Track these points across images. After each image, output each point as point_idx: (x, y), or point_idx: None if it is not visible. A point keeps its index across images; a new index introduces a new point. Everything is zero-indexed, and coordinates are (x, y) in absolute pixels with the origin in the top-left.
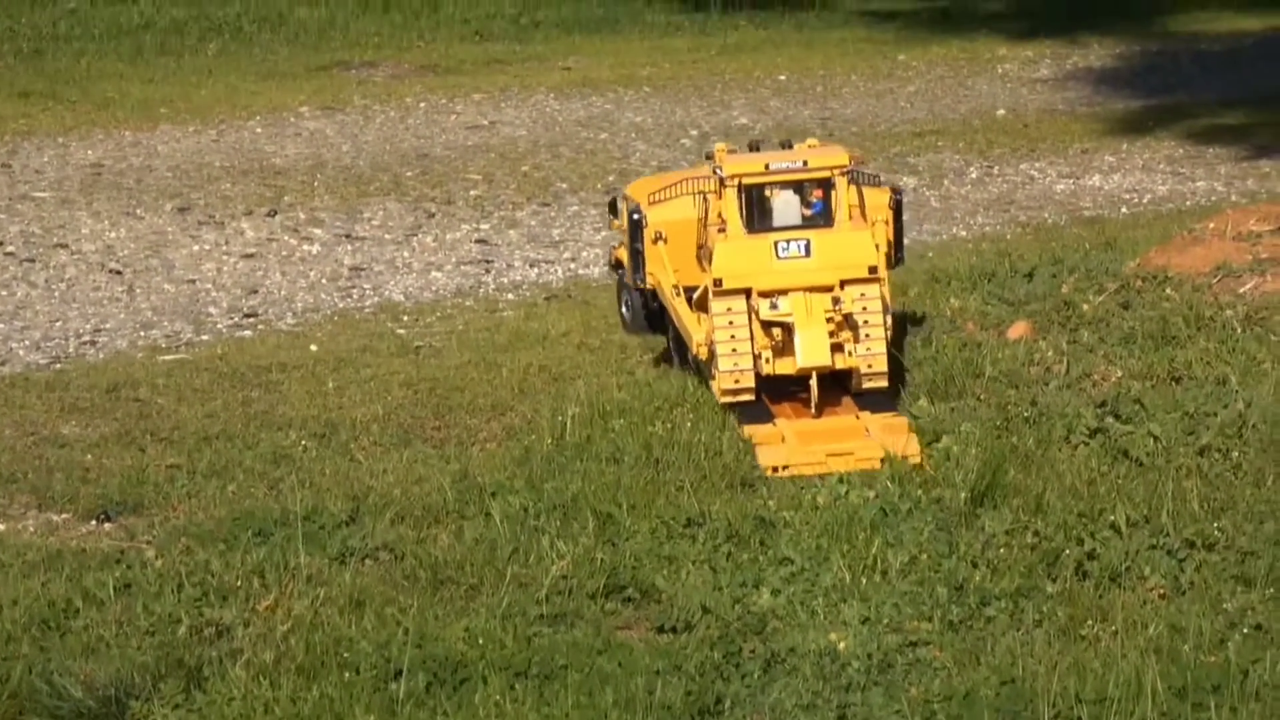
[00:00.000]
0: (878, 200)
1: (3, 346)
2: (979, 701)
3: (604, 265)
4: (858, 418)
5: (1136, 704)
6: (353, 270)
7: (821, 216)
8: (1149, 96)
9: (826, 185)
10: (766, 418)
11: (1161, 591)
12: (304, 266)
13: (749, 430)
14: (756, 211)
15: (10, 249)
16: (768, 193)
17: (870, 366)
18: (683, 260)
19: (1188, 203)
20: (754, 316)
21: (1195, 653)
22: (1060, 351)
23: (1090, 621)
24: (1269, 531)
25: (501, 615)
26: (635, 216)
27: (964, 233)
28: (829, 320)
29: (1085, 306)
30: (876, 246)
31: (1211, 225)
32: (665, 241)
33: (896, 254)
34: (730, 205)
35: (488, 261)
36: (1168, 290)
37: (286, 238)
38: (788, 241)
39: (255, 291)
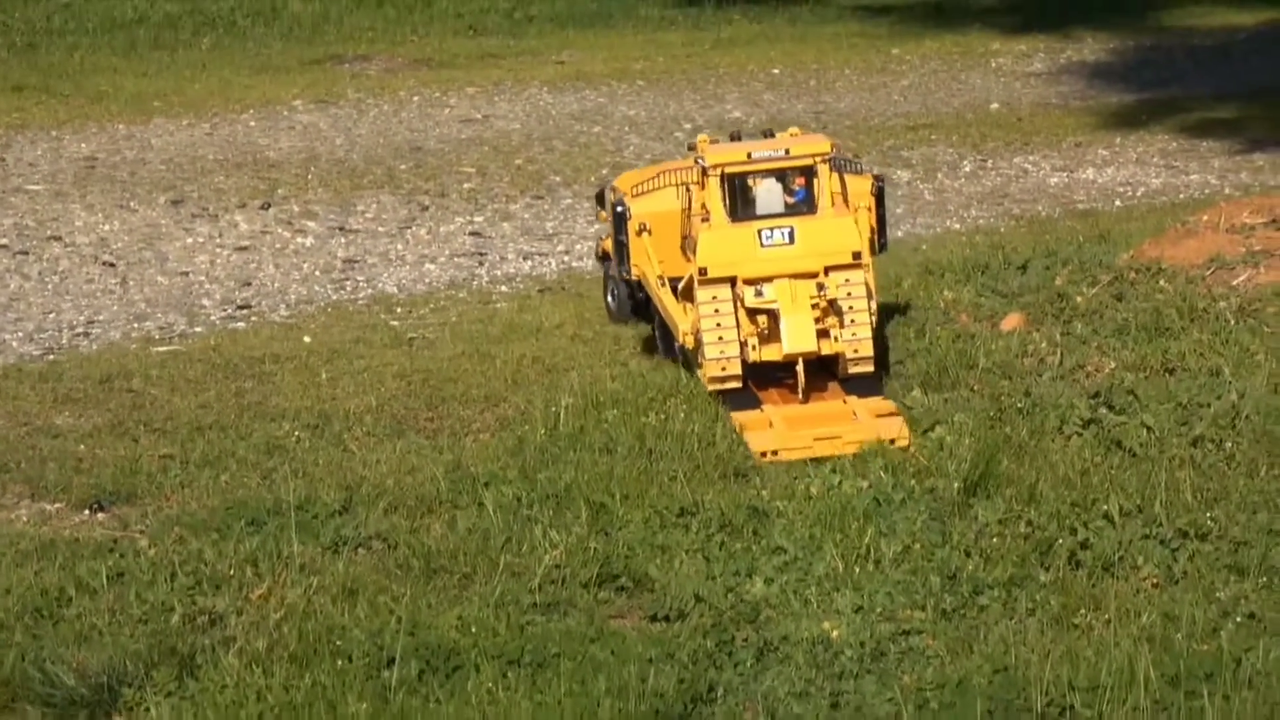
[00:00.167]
0: (860, 187)
1: None
2: (972, 690)
3: (593, 257)
4: (845, 402)
5: (1129, 692)
6: (346, 262)
7: (804, 204)
8: (1142, 90)
9: (809, 173)
10: (754, 404)
11: (1154, 581)
12: (297, 259)
13: (737, 417)
14: (740, 200)
15: (4, 241)
16: (751, 182)
17: (856, 351)
18: (667, 251)
19: (1181, 196)
20: (739, 304)
21: (1188, 641)
22: (1054, 343)
23: (1083, 610)
24: (1262, 521)
25: (494, 604)
26: (619, 209)
27: (958, 225)
28: (814, 306)
29: (1079, 298)
30: (860, 233)
31: (1205, 218)
32: (649, 233)
33: (879, 240)
34: (714, 195)
35: (481, 254)
36: (1161, 282)
37: (280, 230)
38: (771, 229)
39: (249, 283)
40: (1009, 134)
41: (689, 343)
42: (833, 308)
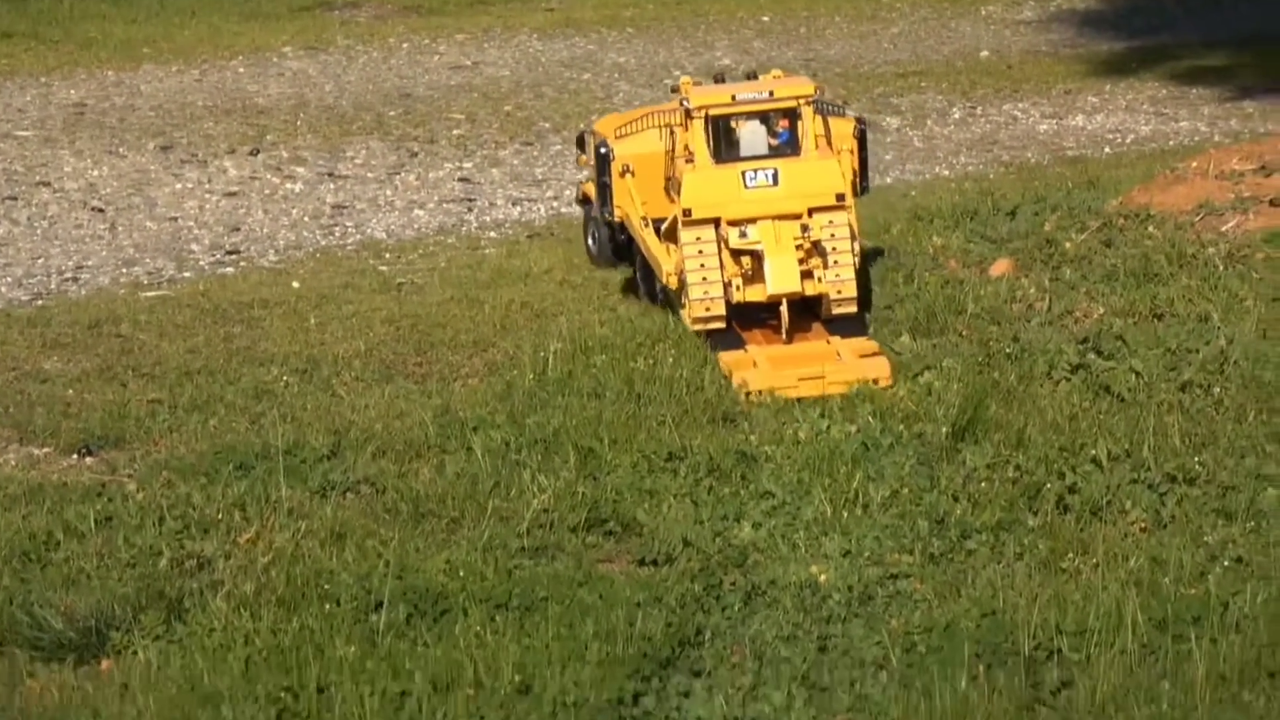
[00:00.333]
0: (842, 130)
1: None
2: (959, 633)
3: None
4: (828, 343)
5: (1117, 635)
6: (335, 208)
7: (788, 146)
8: (1132, 38)
9: (792, 115)
10: (738, 344)
11: (1142, 525)
12: (286, 204)
13: (721, 356)
14: (724, 142)
15: None
16: (734, 124)
17: (840, 292)
18: (650, 193)
19: (1171, 142)
20: (723, 245)
21: (1176, 585)
22: (1042, 289)
23: (1071, 554)
24: (1250, 466)
25: (482, 548)
26: (602, 150)
27: (947, 172)
28: (798, 247)
29: (1068, 244)
30: (843, 175)
31: (1194, 164)
32: (632, 174)
33: (861, 183)
34: (698, 136)
35: (470, 200)
36: (1150, 228)
37: (269, 176)
38: (755, 171)
39: (237, 229)
40: (999, 81)
41: (672, 283)
42: (816, 249)
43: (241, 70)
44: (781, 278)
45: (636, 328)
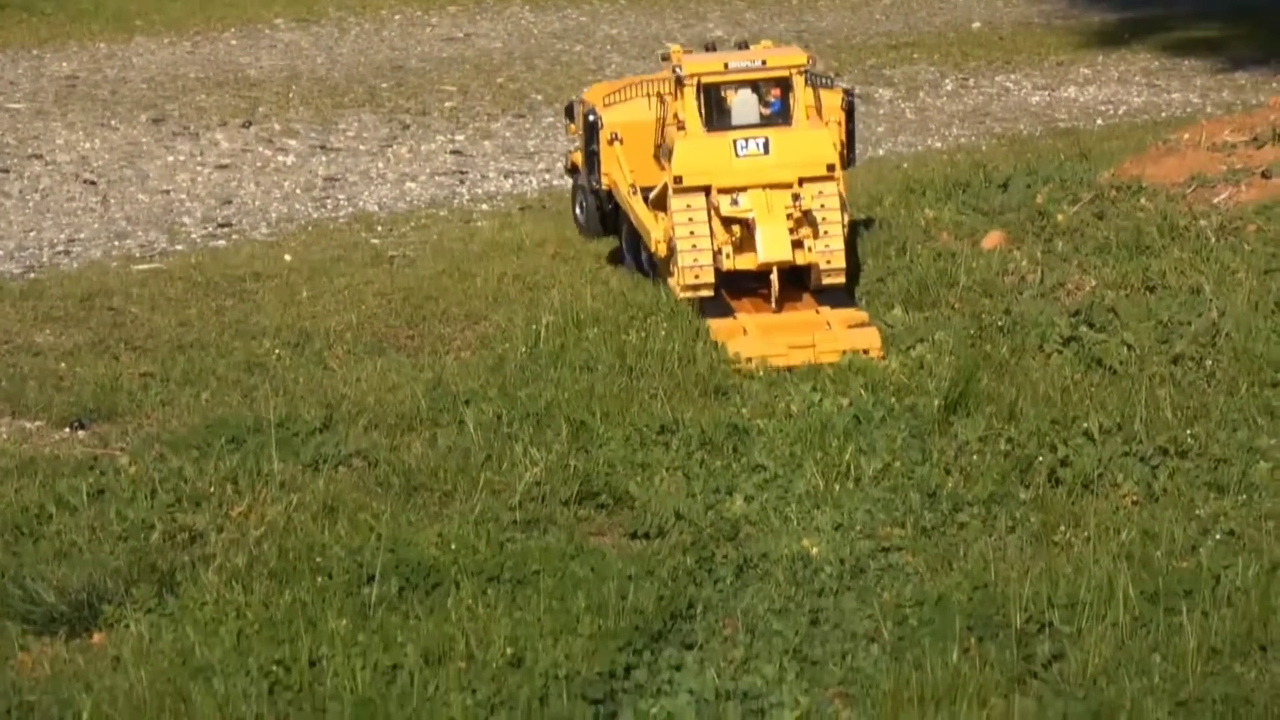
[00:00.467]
0: (831, 101)
1: None
2: (951, 606)
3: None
4: (817, 312)
5: (1108, 609)
6: (327, 181)
7: (780, 115)
8: (1125, 9)
9: (784, 84)
10: (727, 313)
11: (1134, 498)
12: (278, 177)
13: (710, 324)
14: (715, 111)
15: None
16: (725, 93)
17: (829, 263)
18: (638, 161)
19: (1163, 114)
20: (713, 213)
21: (1167, 558)
22: (1034, 261)
23: (1063, 528)
24: (1242, 439)
25: (475, 521)
26: (591, 118)
27: (939, 144)
28: (789, 217)
29: (1060, 216)
30: (834, 145)
31: (1186, 136)
32: (621, 142)
33: (848, 155)
34: (689, 104)
35: (462, 172)
36: (1142, 200)
37: (261, 148)
38: (747, 140)
39: (229, 202)
40: (991, 52)
41: (661, 251)
42: (806, 219)
43: (234, 42)
44: (773, 246)
45: (629, 301)
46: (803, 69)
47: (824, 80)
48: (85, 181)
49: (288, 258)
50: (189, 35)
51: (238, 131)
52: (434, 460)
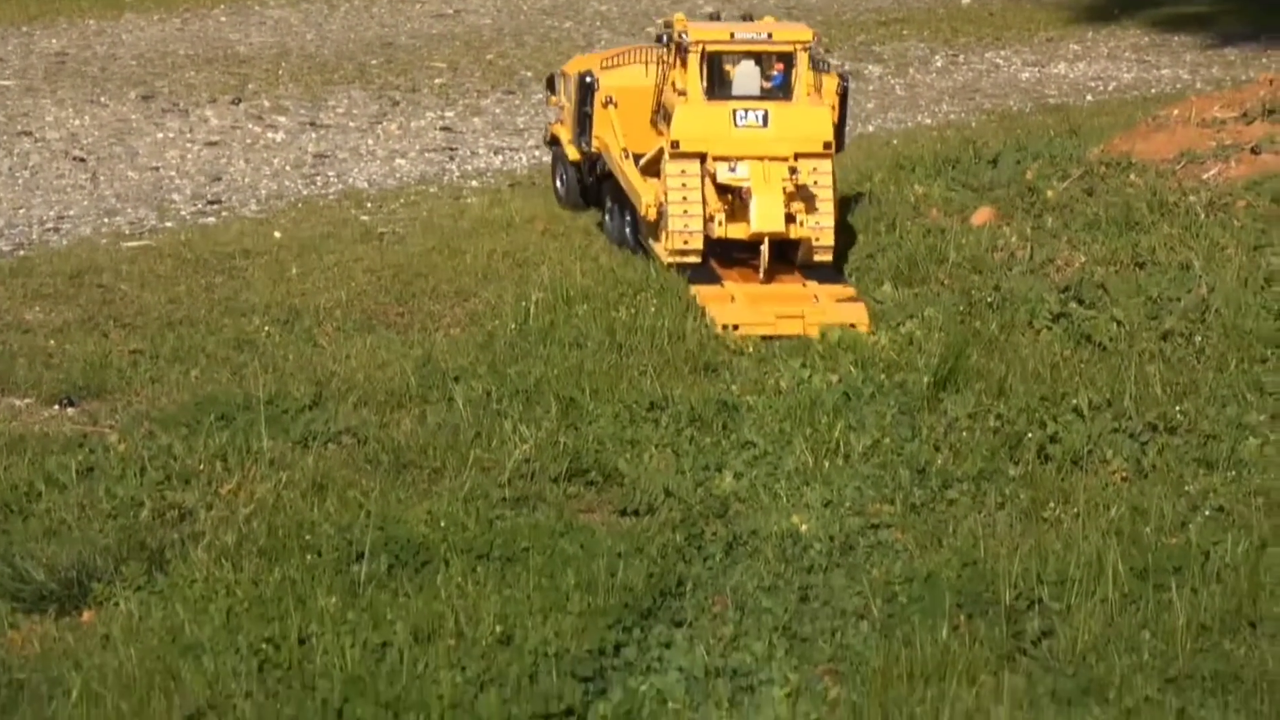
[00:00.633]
0: (828, 85)
1: None
2: (940, 583)
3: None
4: (805, 286)
5: (1098, 585)
6: (317, 157)
7: (780, 90)
8: None
9: (788, 60)
10: (714, 280)
11: (1123, 474)
12: (268, 154)
13: (698, 290)
14: (717, 80)
15: None
16: (727, 63)
17: (819, 240)
18: (631, 126)
19: (1153, 90)
20: (709, 180)
21: (1157, 534)
22: (1024, 237)
23: (1052, 504)
24: (1231, 415)
25: (464, 498)
26: (587, 80)
27: (929, 120)
28: (784, 190)
29: (1049, 192)
30: (832, 124)
31: (1175, 112)
32: (615, 106)
33: (839, 140)
34: (692, 71)
35: (452, 149)
36: (1132, 176)
37: (251, 125)
38: (746, 111)
39: (219, 178)
40: (980, 29)
41: (650, 214)
42: (800, 193)
43: (223, 19)
44: (766, 216)
45: (618, 277)
46: (807, 45)
47: (823, 65)
48: (75, 158)
49: (277, 234)
50: (179, 12)
51: (227, 108)
52: (423, 437)
